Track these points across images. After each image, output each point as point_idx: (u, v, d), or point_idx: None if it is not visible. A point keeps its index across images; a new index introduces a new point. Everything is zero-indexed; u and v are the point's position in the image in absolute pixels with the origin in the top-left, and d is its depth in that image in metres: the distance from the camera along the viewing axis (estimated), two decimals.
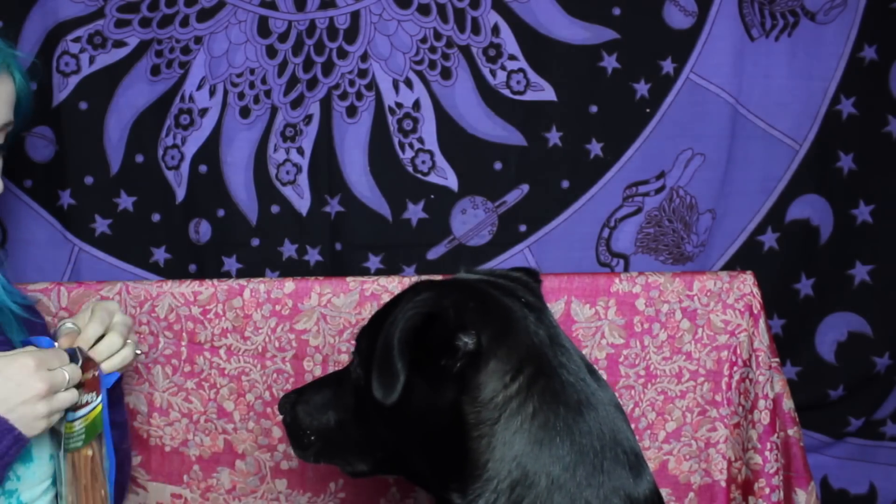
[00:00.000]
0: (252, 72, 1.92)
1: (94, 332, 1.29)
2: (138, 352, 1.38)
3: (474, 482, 1.03)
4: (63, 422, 1.26)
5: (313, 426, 1.21)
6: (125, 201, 1.94)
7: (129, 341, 1.34)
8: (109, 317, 1.32)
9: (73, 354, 1.26)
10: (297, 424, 1.22)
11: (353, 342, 1.21)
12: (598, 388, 1.07)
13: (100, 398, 1.25)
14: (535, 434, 1.00)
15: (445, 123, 1.95)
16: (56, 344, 1.29)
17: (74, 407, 1.25)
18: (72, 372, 1.23)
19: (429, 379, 1.01)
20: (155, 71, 1.91)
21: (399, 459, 1.13)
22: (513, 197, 1.98)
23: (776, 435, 1.72)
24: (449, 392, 1.02)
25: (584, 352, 1.74)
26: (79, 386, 1.25)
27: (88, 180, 1.93)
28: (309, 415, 1.21)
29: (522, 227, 1.99)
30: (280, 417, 1.25)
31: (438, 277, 1.75)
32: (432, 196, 1.97)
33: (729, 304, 1.76)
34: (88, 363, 1.27)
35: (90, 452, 1.25)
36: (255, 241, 1.96)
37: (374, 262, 1.98)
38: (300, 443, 1.23)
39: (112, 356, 1.31)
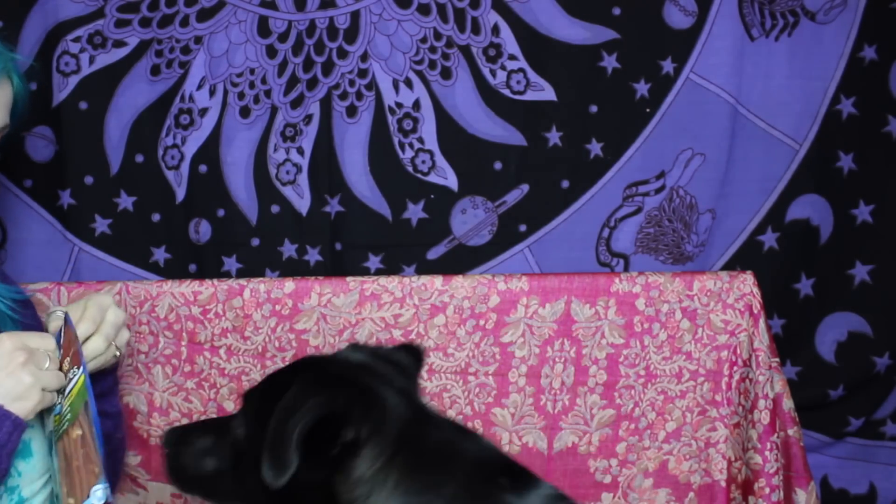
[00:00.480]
0: (252, 72, 1.92)
1: (84, 331, 1.29)
2: (117, 353, 1.37)
3: None
4: (51, 413, 1.25)
5: (191, 469, 1.29)
6: (125, 201, 1.94)
7: (113, 343, 1.34)
8: (101, 314, 1.32)
9: (57, 338, 1.25)
10: (177, 462, 1.31)
11: (241, 399, 1.29)
12: (462, 439, 1.20)
13: (81, 370, 1.24)
14: (402, 499, 1.13)
15: (445, 123, 1.95)
16: None
17: (61, 390, 1.24)
18: (53, 354, 1.23)
19: (309, 460, 1.12)
20: (155, 71, 1.91)
21: None
22: (513, 197, 1.98)
23: (776, 435, 1.72)
24: (324, 471, 1.14)
25: (584, 352, 1.74)
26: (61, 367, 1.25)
27: (88, 180, 1.93)
28: (189, 457, 1.29)
29: (522, 227, 1.99)
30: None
31: (440, 278, 1.75)
32: (432, 196, 1.97)
33: (729, 304, 1.76)
34: (69, 340, 1.26)
35: (80, 431, 1.23)
36: (255, 241, 1.96)
37: (374, 262, 1.98)
38: (178, 476, 1.32)
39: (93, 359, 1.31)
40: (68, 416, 1.24)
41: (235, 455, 1.24)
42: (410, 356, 1.36)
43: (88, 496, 1.20)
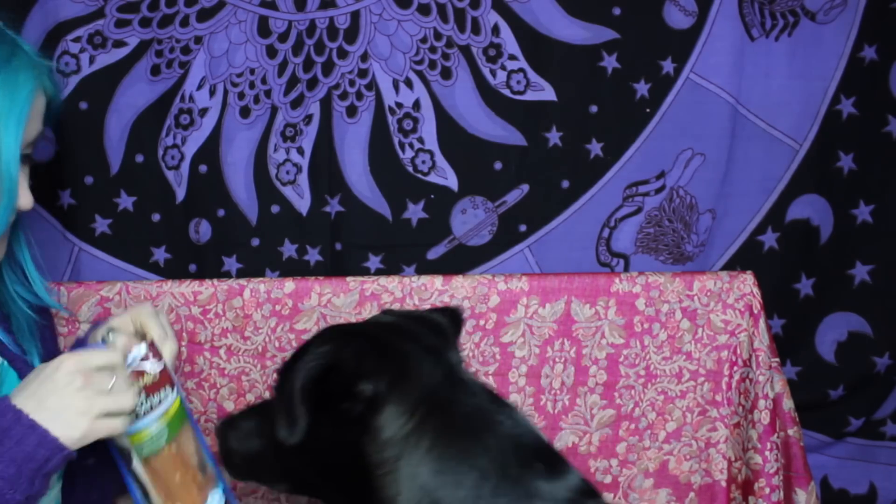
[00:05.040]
0: (252, 72, 1.92)
1: (160, 340, 1.25)
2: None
3: None
4: (125, 436, 1.18)
5: (239, 451, 1.30)
6: (125, 201, 1.94)
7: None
8: (157, 319, 1.28)
9: (139, 353, 1.19)
10: (226, 447, 1.32)
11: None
12: (497, 410, 1.16)
13: (175, 391, 1.21)
14: (435, 465, 1.09)
15: (445, 123, 1.95)
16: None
17: (138, 413, 1.17)
18: (121, 369, 1.15)
19: (333, 421, 1.11)
20: (155, 71, 1.91)
21: (315, 488, 1.25)
22: (513, 197, 1.98)
23: (776, 435, 1.72)
24: (352, 433, 1.11)
25: (584, 352, 1.74)
26: (144, 388, 1.18)
27: (88, 180, 1.93)
28: (237, 440, 1.30)
29: (522, 227, 1.99)
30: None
31: (440, 278, 1.75)
32: (432, 196, 1.97)
33: (729, 304, 1.76)
34: (148, 360, 1.20)
35: (173, 450, 1.20)
36: (255, 241, 1.96)
37: (374, 262, 1.98)
38: (230, 462, 1.32)
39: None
40: (164, 436, 1.19)
41: (275, 433, 1.20)
42: (448, 318, 1.32)
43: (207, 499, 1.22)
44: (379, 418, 1.10)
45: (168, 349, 1.26)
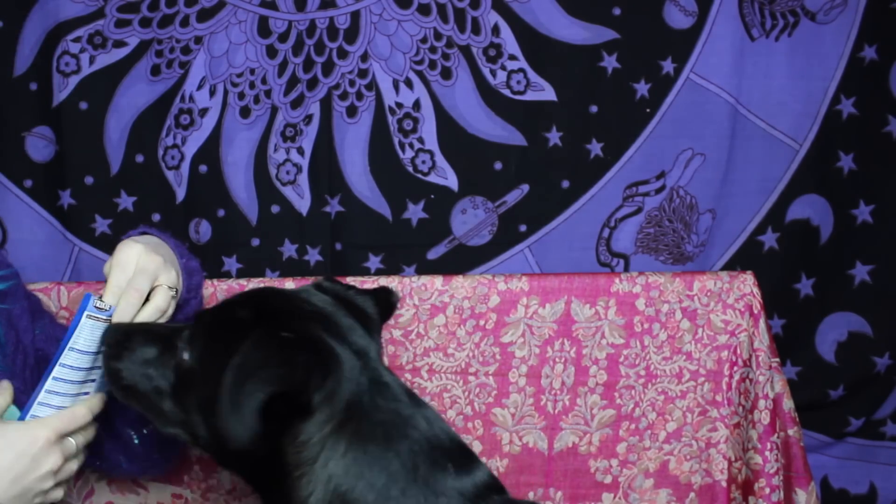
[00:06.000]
0: (252, 72, 1.92)
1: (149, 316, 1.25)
2: (173, 293, 1.30)
3: None
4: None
5: (130, 378, 1.22)
6: (125, 201, 1.94)
7: (163, 286, 1.27)
8: (151, 282, 1.26)
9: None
10: (115, 365, 1.23)
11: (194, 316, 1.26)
12: (414, 413, 1.19)
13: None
14: (349, 468, 1.12)
15: (445, 123, 1.95)
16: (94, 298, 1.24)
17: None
18: (86, 435, 1.19)
19: (260, 414, 1.10)
20: (155, 71, 1.91)
21: (219, 454, 1.22)
22: (513, 197, 1.98)
23: (776, 435, 1.72)
24: (273, 431, 1.12)
25: (584, 352, 1.74)
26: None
27: (88, 180, 1.93)
28: (130, 363, 1.22)
29: (522, 227, 1.99)
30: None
31: (440, 278, 1.75)
32: (432, 196, 1.97)
33: (729, 304, 1.76)
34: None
35: None
36: (255, 241, 1.96)
37: (374, 262, 1.98)
38: (115, 380, 1.24)
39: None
40: None
41: (178, 378, 1.19)
42: (377, 302, 1.31)
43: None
44: (304, 424, 1.13)
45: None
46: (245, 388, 1.07)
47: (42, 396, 1.20)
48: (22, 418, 1.18)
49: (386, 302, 1.34)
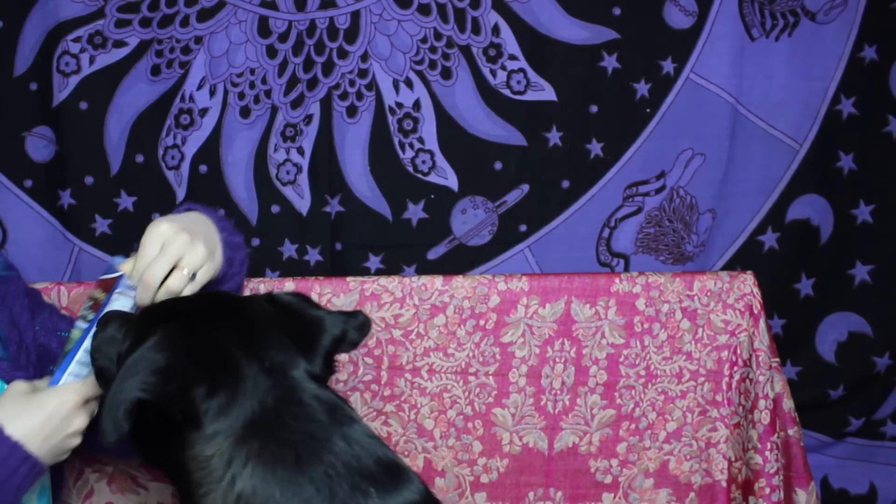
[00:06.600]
0: (252, 72, 1.92)
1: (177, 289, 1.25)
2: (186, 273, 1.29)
3: None
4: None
5: (100, 360, 1.24)
6: (125, 201, 1.94)
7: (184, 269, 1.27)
8: (172, 263, 1.25)
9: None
10: (94, 342, 1.26)
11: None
12: (334, 433, 1.13)
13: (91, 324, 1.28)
14: (255, 489, 1.08)
15: (445, 123, 1.95)
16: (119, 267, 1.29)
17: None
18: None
19: (159, 420, 1.10)
20: (155, 71, 1.91)
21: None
22: (513, 197, 1.98)
23: (776, 435, 1.72)
24: (176, 439, 1.11)
25: (584, 352, 1.74)
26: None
27: (88, 180, 1.93)
28: (100, 342, 1.24)
29: (522, 227, 1.99)
30: None
31: (440, 278, 1.75)
32: (432, 196, 1.97)
33: (729, 304, 1.76)
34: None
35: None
36: (256, 241, 1.96)
37: (374, 262, 1.98)
38: (92, 359, 1.26)
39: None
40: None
41: (118, 367, 1.19)
42: (346, 325, 1.25)
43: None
44: (199, 438, 1.10)
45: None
46: (122, 386, 1.08)
47: (72, 367, 1.28)
48: (54, 384, 1.27)
49: (360, 325, 1.28)
